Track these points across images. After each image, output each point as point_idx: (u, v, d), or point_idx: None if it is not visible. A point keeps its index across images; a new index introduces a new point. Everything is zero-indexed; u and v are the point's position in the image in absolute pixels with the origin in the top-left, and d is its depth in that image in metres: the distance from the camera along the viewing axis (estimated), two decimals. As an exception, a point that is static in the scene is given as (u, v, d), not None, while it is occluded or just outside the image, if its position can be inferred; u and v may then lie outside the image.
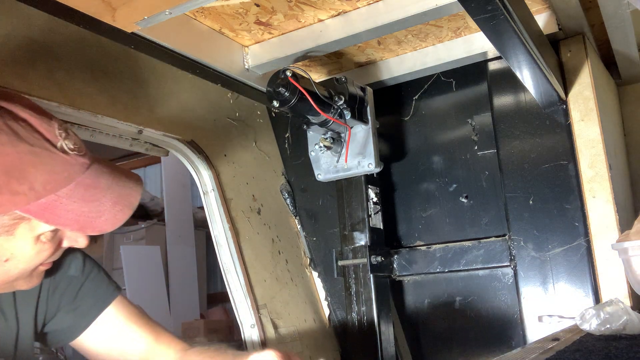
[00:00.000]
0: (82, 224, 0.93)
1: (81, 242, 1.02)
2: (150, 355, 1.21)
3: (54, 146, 0.91)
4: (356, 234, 1.72)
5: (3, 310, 1.07)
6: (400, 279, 1.89)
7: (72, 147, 0.93)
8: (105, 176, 0.97)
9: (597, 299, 1.50)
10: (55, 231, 0.97)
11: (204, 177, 1.74)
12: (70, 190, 0.91)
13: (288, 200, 2.04)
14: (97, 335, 1.18)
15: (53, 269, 1.12)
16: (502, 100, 1.69)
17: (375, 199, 1.77)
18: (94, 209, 0.94)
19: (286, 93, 1.39)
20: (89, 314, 1.17)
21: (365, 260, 1.68)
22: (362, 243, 1.71)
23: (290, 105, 1.40)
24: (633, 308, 1.33)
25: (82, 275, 1.18)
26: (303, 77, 1.42)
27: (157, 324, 1.27)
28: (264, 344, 1.69)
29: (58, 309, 1.15)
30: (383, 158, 1.70)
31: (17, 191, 0.86)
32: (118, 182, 0.99)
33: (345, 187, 1.77)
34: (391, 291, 1.82)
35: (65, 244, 1.02)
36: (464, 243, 1.75)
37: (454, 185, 1.83)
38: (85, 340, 1.18)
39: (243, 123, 1.93)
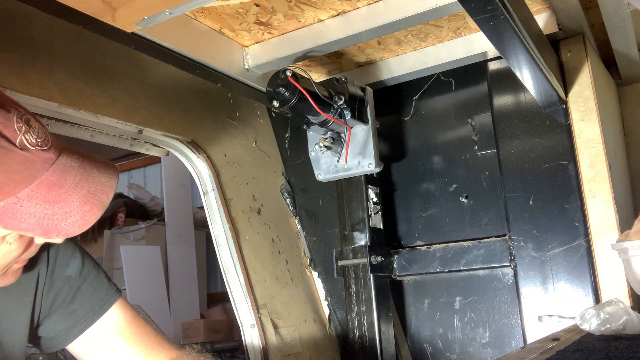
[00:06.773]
0: (46, 227, 0.84)
1: (56, 239, 0.90)
2: None
3: (12, 143, 0.80)
4: (356, 234, 1.72)
5: None
6: (400, 279, 1.89)
7: (33, 141, 0.83)
8: (73, 172, 0.88)
9: (597, 299, 1.50)
10: None
11: (204, 177, 1.74)
12: (31, 191, 0.82)
13: (288, 200, 2.04)
14: (88, 342, 1.14)
15: (49, 267, 1.09)
16: (502, 100, 1.69)
17: (375, 199, 1.77)
18: (60, 211, 0.85)
19: (286, 93, 1.39)
20: (85, 320, 1.13)
21: (365, 260, 1.68)
22: (362, 243, 1.71)
23: (290, 105, 1.40)
24: (633, 308, 1.32)
25: (79, 277, 1.13)
26: (303, 77, 1.42)
27: (152, 330, 1.23)
28: (264, 344, 1.69)
29: (52, 310, 1.11)
30: (383, 158, 1.70)
31: None
32: (88, 177, 0.89)
33: (345, 187, 1.77)
34: (391, 291, 1.82)
35: (39, 241, 0.93)
36: (464, 243, 1.75)
37: (454, 185, 1.83)
38: (73, 347, 1.15)
39: (243, 123, 1.93)
